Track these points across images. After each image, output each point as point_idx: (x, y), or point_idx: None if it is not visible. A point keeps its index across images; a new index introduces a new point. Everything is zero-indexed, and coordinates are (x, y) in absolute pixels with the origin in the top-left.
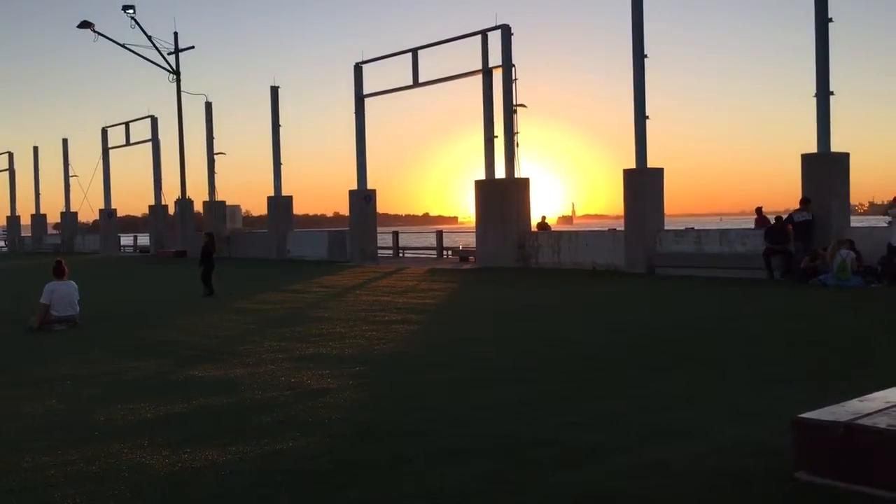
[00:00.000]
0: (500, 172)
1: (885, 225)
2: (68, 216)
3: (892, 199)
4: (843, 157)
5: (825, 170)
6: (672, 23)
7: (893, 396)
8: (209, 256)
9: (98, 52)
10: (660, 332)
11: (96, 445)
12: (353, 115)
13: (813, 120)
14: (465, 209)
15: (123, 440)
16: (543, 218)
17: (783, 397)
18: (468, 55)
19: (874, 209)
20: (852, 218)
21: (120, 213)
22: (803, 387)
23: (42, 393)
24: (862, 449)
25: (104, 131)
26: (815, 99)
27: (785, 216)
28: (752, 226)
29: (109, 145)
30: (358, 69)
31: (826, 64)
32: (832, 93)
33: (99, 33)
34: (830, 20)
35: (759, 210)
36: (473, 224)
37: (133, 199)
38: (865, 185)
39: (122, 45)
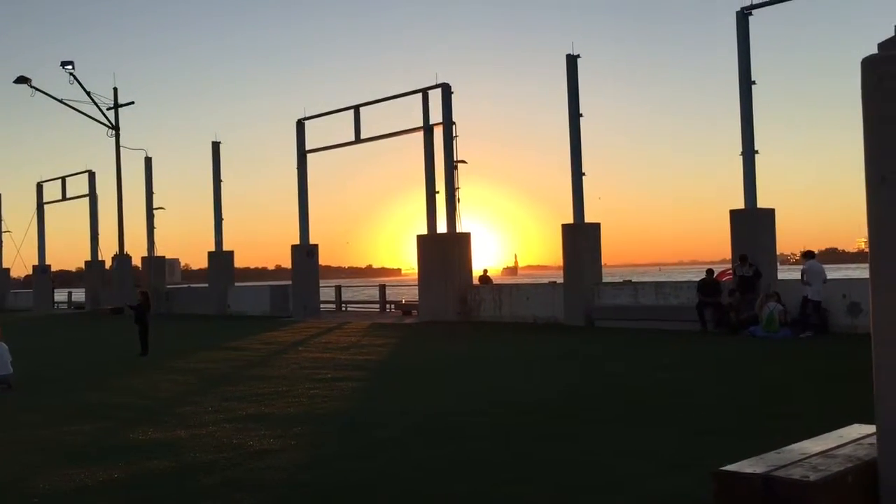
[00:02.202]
0: (441, 227)
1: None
2: (0, 272)
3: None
4: (769, 213)
5: (752, 225)
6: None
7: (808, 448)
8: (143, 315)
9: (35, 107)
10: (592, 384)
11: None
12: (296, 170)
13: (740, 177)
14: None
15: None
16: (485, 271)
17: (712, 448)
18: (410, 112)
19: None
20: (787, 267)
21: (54, 268)
22: (731, 438)
23: None
24: (779, 500)
25: (39, 186)
26: (741, 157)
27: (717, 269)
28: (682, 278)
29: (45, 200)
30: (300, 125)
31: (751, 124)
32: (757, 151)
33: (36, 88)
34: (754, 83)
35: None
36: (416, 276)
37: (68, 254)
38: (797, 234)
39: (60, 101)
